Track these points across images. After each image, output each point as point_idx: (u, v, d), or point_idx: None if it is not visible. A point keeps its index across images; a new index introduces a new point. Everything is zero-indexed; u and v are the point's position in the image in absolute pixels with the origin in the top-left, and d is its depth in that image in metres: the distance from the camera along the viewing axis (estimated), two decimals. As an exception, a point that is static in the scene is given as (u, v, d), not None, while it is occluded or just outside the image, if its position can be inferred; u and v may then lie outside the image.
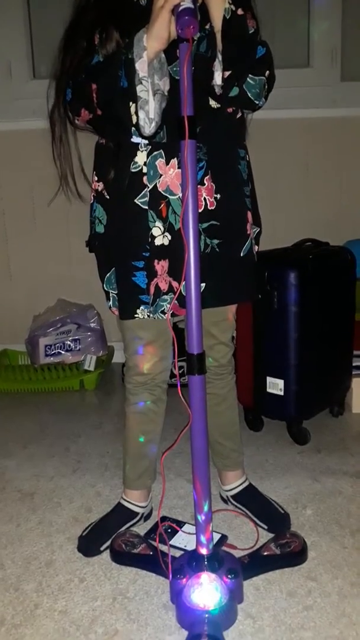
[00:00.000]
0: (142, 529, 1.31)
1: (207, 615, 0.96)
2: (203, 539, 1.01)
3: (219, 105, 1.08)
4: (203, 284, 1.09)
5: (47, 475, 1.61)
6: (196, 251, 0.95)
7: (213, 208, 1.10)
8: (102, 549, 1.23)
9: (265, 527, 1.29)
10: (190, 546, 1.15)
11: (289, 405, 1.68)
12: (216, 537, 1.24)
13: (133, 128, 1.01)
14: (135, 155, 1.08)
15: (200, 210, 1.07)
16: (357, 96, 2.51)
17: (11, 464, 1.70)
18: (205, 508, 1.01)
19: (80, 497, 1.48)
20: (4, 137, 2.54)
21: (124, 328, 1.22)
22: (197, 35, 1.02)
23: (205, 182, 1.08)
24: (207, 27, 1.02)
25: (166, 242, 1.09)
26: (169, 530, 1.27)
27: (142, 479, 1.31)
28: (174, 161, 1.06)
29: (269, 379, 1.70)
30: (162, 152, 1.07)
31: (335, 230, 2.37)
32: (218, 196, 1.10)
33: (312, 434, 1.75)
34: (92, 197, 1.19)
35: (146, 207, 1.08)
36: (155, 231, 1.09)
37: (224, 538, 1.25)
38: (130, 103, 0.99)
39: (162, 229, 1.09)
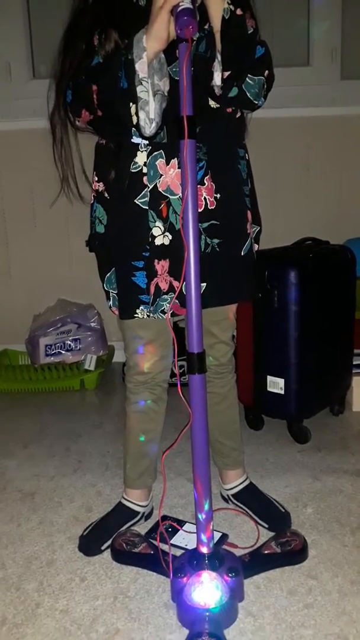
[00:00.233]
0: (142, 528, 1.31)
1: (207, 614, 0.96)
2: (204, 537, 1.01)
3: (218, 105, 1.08)
4: (204, 284, 1.09)
5: (48, 475, 1.61)
6: (196, 250, 0.95)
7: (213, 208, 1.10)
8: (103, 548, 1.23)
9: (266, 525, 1.29)
10: (191, 545, 1.15)
11: (289, 404, 1.68)
12: (217, 535, 1.24)
13: (133, 129, 1.02)
14: (136, 155, 1.08)
15: (200, 210, 1.07)
16: (357, 95, 2.51)
17: (12, 464, 1.70)
18: (206, 507, 1.01)
19: (81, 497, 1.48)
20: (4, 137, 2.55)
21: (124, 327, 1.22)
22: (196, 36, 1.02)
23: (205, 181, 1.09)
24: (206, 27, 1.02)
25: (167, 242, 1.09)
26: (170, 530, 1.28)
27: (143, 478, 1.31)
28: (174, 161, 1.07)
29: (269, 378, 1.70)
30: (163, 152, 1.07)
31: (336, 228, 2.37)
32: (218, 196, 1.10)
33: (313, 433, 1.75)
34: (93, 197, 1.19)
35: (146, 207, 1.09)
36: (156, 231, 1.09)
37: (224, 537, 1.26)
38: (131, 104, 0.99)
39: (163, 229, 1.09)
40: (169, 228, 1.09)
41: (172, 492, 1.47)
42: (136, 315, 1.14)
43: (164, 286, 1.11)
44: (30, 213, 2.62)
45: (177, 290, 1.09)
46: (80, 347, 2.48)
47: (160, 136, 1.06)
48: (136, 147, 1.07)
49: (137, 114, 0.99)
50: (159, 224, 1.09)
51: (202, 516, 1.01)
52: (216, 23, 0.98)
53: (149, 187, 1.08)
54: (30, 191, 2.58)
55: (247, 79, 1.02)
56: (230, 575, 1.01)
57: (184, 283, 0.97)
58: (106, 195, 1.15)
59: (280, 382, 1.67)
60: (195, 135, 0.95)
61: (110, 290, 1.19)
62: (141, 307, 1.13)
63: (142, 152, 1.08)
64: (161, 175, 1.07)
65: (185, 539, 1.24)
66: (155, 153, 1.07)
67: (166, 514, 1.37)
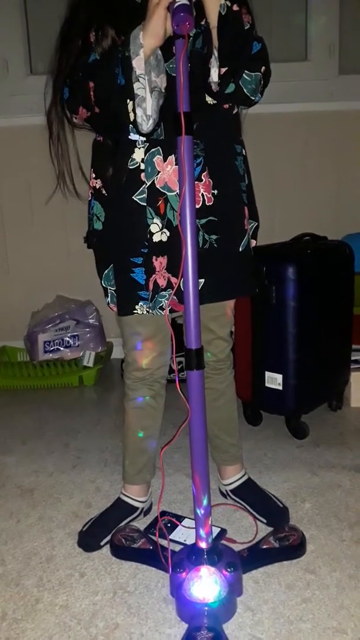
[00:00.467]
0: (141, 523, 1.31)
1: (206, 608, 0.96)
2: (202, 533, 1.02)
3: (215, 102, 1.08)
4: (202, 280, 1.10)
5: (47, 471, 1.62)
6: (194, 246, 0.95)
7: (211, 204, 1.10)
8: (102, 543, 1.24)
9: (264, 520, 1.30)
10: (190, 540, 1.15)
11: (287, 399, 1.69)
12: (215, 531, 1.25)
13: (131, 125, 1.01)
14: (133, 152, 1.08)
15: (198, 206, 1.07)
16: (354, 89, 2.51)
17: (11, 460, 1.70)
18: (205, 502, 1.01)
19: (80, 493, 1.48)
20: (1, 133, 2.54)
21: (123, 324, 1.22)
22: (193, 32, 1.02)
23: (202, 178, 1.09)
24: (203, 23, 1.01)
25: (164, 239, 1.09)
26: (169, 525, 1.28)
27: (142, 474, 1.32)
28: (172, 158, 1.06)
29: (267, 374, 1.70)
30: (160, 149, 1.07)
31: (334, 224, 2.38)
32: (216, 192, 1.10)
33: (311, 428, 1.76)
34: (90, 194, 1.19)
35: (144, 204, 1.09)
36: (154, 228, 1.09)
37: (223, 532, 1.26)
38: (128, 100, 0.99)
39: (161, 225, 1.09)
40: (167, 225, 1.09)
41: (171, 487, 1.47)
42: (135, 311, 1.14)
43: (162, 283, 1.11)
44: (27, 209, 2.62)
45: (175, 287, 1.09)
46: (79, 343, 2.48)
47: (157, 133, 1.05)
48: (133, 143, 1.07)
49: (134, 110, 0.99)
50: (156, 220, 1.09)
51: (200, 511, 1.01)
52: (213, 19, 0.98)
53: (146, 184, 1.08)
54: (27, 188, 2.57)
55: (243, 75, 1.02)
56: (228, 570, 1.01)
57: (182, 279, 0.97)
58: (104, 192, 1.14)
59: (279, 377, 1.68)
60: (193, 131, 0.95)
61: (108, 287, 1.19)
62: (140, 303, 1.13)
63: (139, 148, 1.07)
64: (159, 171, 1.07)
65: (184, 534, 1.25)
66: (153, 150, 1.07)
67: (165, 509, 1.37)
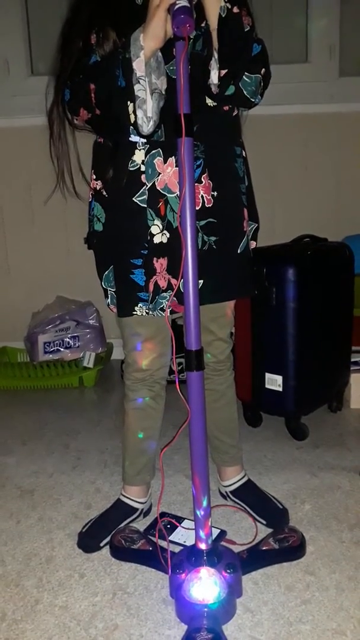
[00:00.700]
0: (141, 524, 1.32)
1: (206, 610, 0.96)
2: (202, 534, 1.02)
3: (215, 104, 1.08)
4: (201, 281, 1.10)
5: (47, 472, 1.62)
6: (194, 248, 0.95)
7: (210, 205, 1.10)
8: (101, 544, 1.24)
9: (264, 522, 1.30)
10: (190, 541, 1.15)
11: (287, 401, 1.69)
12: (215, 532, 1.25)
13: (131, 127, 1.02)
14: (133, 154, 1.08)
15: (197, 208, 1.07)
16: (355, 91, 2.51)
17: (11, 461, 1.70)
18: (204, 503, 1.01)
19: (80, 494, 1.48)
20: (2, 134, 2.54)
21: (123, 325, 1.22)
22: (193, 34, 1.02)
23: (202, 180, 1.09)
24: (203, 25, 1.02)
25: (165, 240, 1.10)
26: (168, 526, 1.28)
27: (142, 475, 1.32)
28: (172, 159, 1.07)
29: (267, 375, 1.71)
30: (160, 151, 1.07)
31: (334, 226, 2.38)
32: (215, 194, 1.11)
33: (311, 430, 1.76)
34: (91, 196, 1.19)
35: (145, 205, 1.09)
36: (154, 229, 1.09)
37: (223, 533, 1.26)
38: (128, 102, 0.99)
39: (161, 227, 1.09)
40: (167, 226, 1.09)
41: (171, 488, 1.47)
42: (135, 312, 1.14)
43: (162, 284, 1.11)
44: (28, 210, 2.62)
45: (175, 288, 1.09)
46: (79, 344, 2.48)
47: (157, 134, 1.06)
48: (134, 145, 1.08)
49: (134, 112, 1.00)
50: (157, 222, 1.09)
51: (200, 513, 1.01)
52: (213, 21, 0.98)
53: (147, 186, 1.08)
54: (28, 188, 2.58)
55: (243, 77, 1.02)
56: (228, 571, 1.01)
57: (182, 280, 0.97)
58: (104, 193, 1.15)
59: (279, 379, 1.68)
60: (193, 133, 0.95)
61: (109, 288, 1.19)
62: (140, 305, 1.14)
63: (140, 150, 1.08)
64: (159, 173, 1.08)
65: (183, 535, 1.25)
66: (153, 151, 1.07)
67: (165, 510, 1.37)
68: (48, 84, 1.11)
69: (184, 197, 0.94)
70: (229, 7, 0.97)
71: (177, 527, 1.28)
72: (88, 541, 1.25)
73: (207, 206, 1.10)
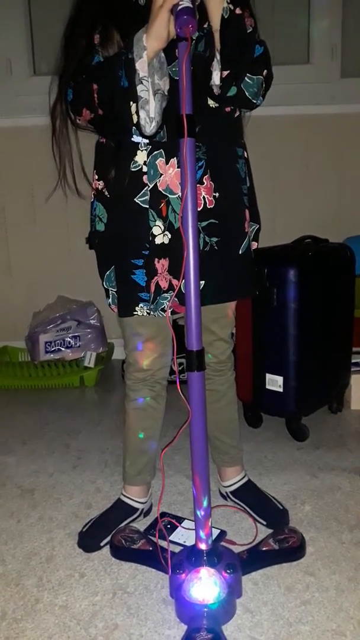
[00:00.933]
0: (141, 524, 1.32)
1: (206, 610, 0.96)
2: (202, 534, 1.02)
3: (217, 105, 1.08)
4: (202, 282, 1.10)
5: (47, 472, 1.62)
6: (195, 248, 0.96)
7: (212, 207, 1.11)
8: (102, 544, 1.24)
9: (264, 522, 1.30)
10: (190, 541, 1.16)
11: (288, 401, 1.69)
12: (215, 532, 1.25)
13: (134, 127, 1.02)
14: (135, 154, 1.08)
15: (199, 209, 1.08)
16: (357, 92, 2.51)
17: (11, 460, 1.70)
18: (205, 504, 1.01)
19: (80, 493, 1.49)
20: (5, 133, 2.55)
21: (124, 324, 1.22)
22: (196, 35, 1.02)
23: (204, 181, 1.09)
24: (205, 26, 1.02)
25: (166, 241, 1.10)
26: (169, 526, 1.28)
27: (142, 475, 1.32)
28: (174, 160, 1.07)
29: (268, 376, 1.71)
30: (163, 152, 1.07)
31: (335, 227, 2.38)
32: (217, 195, 1.11)
33: (311, 431, 1.76)
34: (93, 196, 1.19)
35: (146, 206, 1.09)
36: (156, 230, 1.09)
37: (223, 533, 1.26)
38: (131, 103, 0.99)
39: (163, 227, 1.09)
40: (168, 227, 1.09)
41: (171, 488, 1.47)
42: (135, 312, 1.14)
43: (164, 285, 1.11)
44: (30, 210, 2.63)
45: (177, 288, 1.09)
46: (80, 344, 2.48)
47: (160, 135, 1.06)
48: (136, 146, 1.08)
49: (137, 112, 1.00)
50: (159, 223, 1.09)
51: (200, 513, 1.01)
52: (215, 22, 0.98)
53: (149, 186, 1.08)
54: (30, 188, 2.58)
55: (245, 78, 1.02)
56: (228, 571, 1.01)
57: (184, 281, 0.97)
58: (106, 193, 1.15)
59: (279, 379, 1.68)
60: (195, 134, 0.95)
61: (110, 288, 1.20)
62: (140, 305, 1.14)
63: (142, 151, 1.08)
64: (161, 174, 1.08)
65: (183, 535, 1.25)
66: (156, 152, 1.07)
67: (165, 510, 1.37)
68: (51, 82, 1.11)
69: (186, 198, 0.94)
70: (232, 8, 0.97)
71: (177, 527, 1.28)
72: (88, 541, 1.25)
73: (208, 207, 1.10)
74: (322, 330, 1.73)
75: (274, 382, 1.69)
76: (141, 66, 0.97)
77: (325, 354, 1.77)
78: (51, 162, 1.17)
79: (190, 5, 0.92)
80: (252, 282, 1.24)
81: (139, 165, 1.08)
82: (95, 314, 2.55)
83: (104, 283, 1.20)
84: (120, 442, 1.64)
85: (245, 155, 1.19)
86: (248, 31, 1.00)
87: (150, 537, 1.22)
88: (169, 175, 1.08)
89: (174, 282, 1.11)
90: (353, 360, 1.94)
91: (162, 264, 1.10)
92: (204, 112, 1.06)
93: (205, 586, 0.99)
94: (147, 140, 1.06)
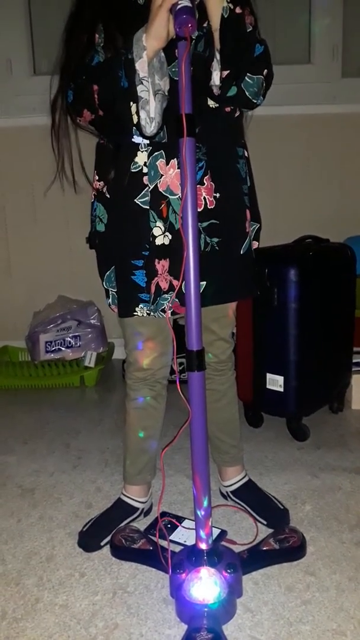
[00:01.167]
0: (142, 524, 1.32)
1: (206, 610, 0.96)
2: (202, 534, 1.02)
3: (217, 105, 1.08)
4: (203, 282, 1.10)
5: (48, 471, 1.62)
6: (195, 248, 0.95)
7: (213, 207, 1.10)
8: (102, 544, 1.24)
9: (265, 522, 1.30)
10: (190, 541, 1.16)
11: (288, 401, 1.69)
12: (215, 532, 1.25)
13: (134, 128, 1.02)
14: (136, 155, 1.08)
15: (200, 210, 1.07)
16: (357, 92, 2.51)
17: (12, 460, 1.70)
18: (205, 503, 1.01)
19: (81, 493, 1.49)
20: (5, 133, 2.55)
21: (125, 324, 1.22)
22: (196, 34, 1.02)
23: (204, 181, 1.09)
24: (205, 25, 1.01)
25: (167, 242, 1.10)
26: (169, 526, 1.28)
27: (142, 474, 1.32)
28: (174, 161, 1.07)
29: (268, 376, 1.71)
30: (163, 153, 1.07)
31: (336, 226, 2.37)
32: (217, 195, 1.11)
33: (312, 431, 1.76)
34: (93, 196, 1.19)
35: (147, 207, 1.09)
36: (156, 231, 1.09)
37: (223, 533, 1.26)
38: (131, 103, 0.99)
39: (163, 228, 1.09)
40: (169, 228, 1.09)
41: (172, 488, 1.47)
42: (135, 313, 1.14)
43: (164, 285, 1.11)
44: (30, 210, 2.63)
45: (177, 289, 1.09)
46: (80, 344, 2.48)
47: (160, 136, 1.06)
48: (136, 146, 1.08)
49: (137, 113, 1.00)
50: (159, 224, 1.09)
51: (201, 512, 1.01)
52: (215, 21, 0.98)
53: (149, 187, 1.08)
54: (30, 188, 2.58)
55: (246, 78, 1.02)
56: (228, 571, 1.01)
57: (184, 281, 0.97)
58: (107, 194, 1.15)
59: (280, 379, 1.68)
60: (195, 134, 0.95)
61: (110, 289, 1.20)
62: (140, 305, 1.14)
63: (142, 152, 1.08)
64: (161, 175, 1.08)
65: (184, 535, 1.25)
66: (156, 153, 1.07)
67: (165, 510, 1.37)
68: (51, 81, 1.11)
69: (186, 197, 0.94)
70: (232, 7, 0.97)
71: (178, 526, 1.28)
72: (88, 540, 1.25)
73: (209, 208, 1.10)
74: (322, 330, 1.73)
75: (275, 382, 1.69)
76: (141, 66, 0.97)
77: (326, 353, 1.77)
78: (51, 162, 1.17)
79: (190, 5, 0.92)
80: (253, 282, 1.24)
81: (139, 166, 1.08)
82: (96, 313, 2.55)
83: (104, 283, 1.20)
84: (120, 442, 1.64)
85: (246, 154, 1.19)
86: (248, 30, 1.00)
87: (151, 536, 1.22)
88: (170, 176, 1.07)
89: (175, 282, 1.11)
90: (354, 360, 1.94)
91: (162, 265, 1.10)
92: (204, 113, 1.06)
93: (205, 586, 0.99)
94: (147, 141, 1.06)
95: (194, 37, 1.03)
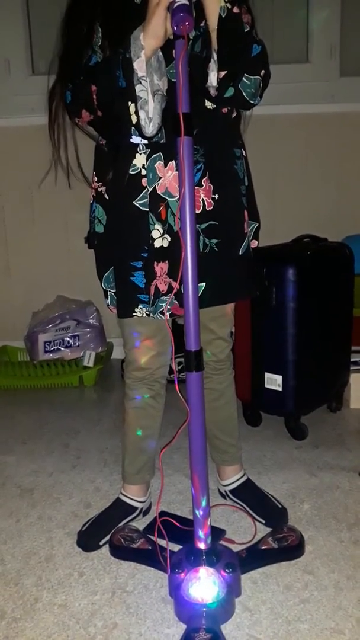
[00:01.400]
0: (141, 523, 1.32)
1: (205, 609, 0.97)
2: (201, 533, 1.02)
3: (214, 106, 1.08)
4: (202, 284, 1.10)
5: (47, 471, 1.62)
6: (193, 248, 0.95)
7: (211, 208, 1.10)
8: (101, 543, 1.24)
9: (263, 521, 1.30)
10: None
11: (287, 400, 1.69)
12: (214, 531, 1.25)
13: (133, 128, 1.01)
14: (134, 157, 1.08)
15: (198, 211, 1.07)
16: (356, 91, 2.51)
17: (11, 460, 1.70)
18: (204, 503, 1.02)
19: (80, 493, 1.49)
20: (3, 133, 2.54)
21: (124, 324, 1.23)
22: (193, 34, 1.02)
23: (203, 183, 1.09)
24: (202, 25, 1.01)
25: (165, 244, 1.10)
26: (168, 525, 1.28)
27: (141, 473, 1.32)
28: (172, 163, 1.06)
29: (267, 375, 1.71)
30: (161, 155, 1.07)
31: (334, 225, 2.38)
32: (216, 196, 1.11)
33: (310, 430, 1.76)
34: (92, 197, 1.19)
35: (146, 209, 1.09)
36: (155, 233, 1.09)
37: (222, 532, 1.26)
38: (130, 103, 0.99)
39: (162, 231, 1.09)
40: (168, 230, 1.09)
41: (170, 488, 1.47)
42: (135, 314, 1.14)
43: (163, 287, 1.11)
44: (29, 210, 2.62)
45: (174, 290, 1.09)
46: (79, 343, 2.48)
47: (158, 136, 1.05)
48: (135, 148, 1.07)
49: (136, 113, 0.99)
50: (158, 226, 1.09)
51: (199, 512, 1.01)
52: (212, 21, 0.98)
53: (148, 190, 1.08)
54: (29, 188, 2.58)
55: (243, 78, 1.02)
56: (227, 570, 1.02)
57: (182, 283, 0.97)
58: (105, 196, 1.15)
59: (278, 378, 1.68)
60: (192, 132, 0.94)
61: (108, 289, 1.20)
62: (140, 306, 1.14)
63: (140, 154, 1.07)
64: (160, 177, 1.07)
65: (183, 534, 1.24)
66: (154, 155, 1.07)
67: (164, 509, 1.37)
68: (50, 69, 1.10)
69: (184, 197, 0.94)
70: (229, 7, 0.97)
71: (177, 526, 1.27)
72: (87, 540, 1.25)
73: (207, 209, 1.10)
74: (321, 329, 1.73)
75: (273, 381, 1.69)
76: (139, 66, 0.97)
77: (324, 352, 1.78)
78: (51, 162, 1.17)
79: (187, 3, 0.92)
80: (252, 283, 1.24)
81: (137, 168, 1.08)
82: (95, 313, 2.55)
83: (103, 284, 1.20)
84: (119, 442, 1.64)
85: (244, 153, 1.19)
86: (245, 30, 1.00)
87: (150, 536, 1.22)
88: (168, 178, 1.07)
89: (174, 284, 1.10)
90: (352, 359, 1.94)
91: (161, 267, 1.10)
92: (201, 114, 1.06)
93: (204, 585, 0.99)
94: (146, 142, 1.06)
95: (191, 38, 1.03)
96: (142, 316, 1.14)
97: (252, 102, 1.06)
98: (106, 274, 1.19)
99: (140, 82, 0.98)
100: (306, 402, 1.76)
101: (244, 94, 1.04)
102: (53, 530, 1.32)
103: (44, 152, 1.18)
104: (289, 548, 1.17)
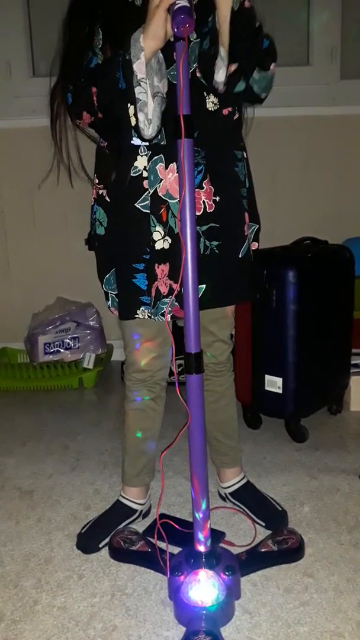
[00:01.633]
0: (140, 526, 1.32)
1: (204, 612, 0.96)
2: (201, 536, 1.02)
3: (215, 108, 1.08)
4: (203, 286, 1.10)
5: (46, 473, 1.62)
6: (193, 251, 0.95)
7: (212, 211, 1.10)
8: (100, 546, 1.24)
9: (263, 524, 1.30)
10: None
11: (287, 403, 1.69)
12: (214, 534, 1.24)
13: (132, 130, 1.02)
14: (135, 159, 1.08)
15: (199, 214, 1.08)
16: (356, 94, 2.51)
17: (10, 461, 1.70)
18: (203, 505, 1.01)
19: (79, 495, 1.49)
20: (4, 135, 2.55)
21: (124, 325, 1.22)
22: (204, 30, 1.01)
23: (204, 185, 1.09)
24: (209, 20, 1.00)
25: (166, 246, 1.10)
26: (168, 527, 1.28)
27: (141, 476, 1.32)
28: (173, 165, 1.07)
29: (267, 377, 1.71)
30: (162, 157, 1.06)
31: (334, 228, 2.38)
32: (217, 198, 1.11)
33: (310, 432, 1.76)
34: (93, 200, 1.19)
35: (147, 211, 1.09)
36: (156, 235, 1.09)
37: (221, 535, 1.26)
38: (129, 105, 0.99)
39: (163, 233, 1.09)
40: (169, 232, 1.09)
41: (170, 490, 1.47)
42: (137, 316, 1.14)
43: (164, 290, 1.11)
44: (29, 211, 2.63)
45: (175, 292, 1.09)
46: (79, 345, 2.48)
47: (158, 138, 1.05)
48: (136, 151, 1.07)
49: (136, 115, 0.99)
50: (159, 228, 1.09)
51: (199, 515, 1.01)
52: (225, 15, 0.96)
53: (149, 192, 1.08)
54: (29, 189, 2.58)
55: (255, 73, 1.02)
56: (227, 573, 1.01)
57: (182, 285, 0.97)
58: (107, 198, 1.15)
59: (278, 381, 1.68)
60: (193, 134, 0.94)
61: (109, 291, 1.20)
62: (142, 308, 1.14)
63: (141, 156, 1.07)
64: (161, 179, 1.08)
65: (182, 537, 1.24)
66: (155, 157, 1.07)
67: (164, 511, 1.37)
68: (51, 70, 1.10)
69: (184, 198, 0.94)
70: (241, 1, 0.96)
71: (177, 528, 1.27)
72: (87, 542, 1.25)
73: (208, 211, 1.10)
74: (321, 331, 1.73)
75: (273, 384, 1.69)
76: (139, 67, 0.96)
77: (325, 355, 1.78)
78: (50, 163, 1.17)
79: (187, 5, 0.91)
80: (252, 285, 1.24)
81: (139, 170, 1.08)
82: (95, 315, 2.55)
83: (104, 286, 1.20)
84: (119, 444, 1.64)
85: (245, 156, 1.19)
86: (257, 25, 0.99)
87: (149, 538, 1.22)
88: (169, 180, 1.07)
89: (174, 286, 1.10)
90: (352, 362, 1.94)
91: (162, 270, 1.10)
92: (202, 116, 1.06)
93: (203, 588, 0.99)
94: (146, 144, 1.06)
95: (192, 39, 1.03)
96: (143, 318, 1.14)
97: (262, 96, 1.06)
98: (107, 276, 1.19)
99: (139, 84, 0.98)
100: (306, 405, 1.76)
101: (254, 89, 1.04)
102: (52, 533, 1.32)
103: (44, 154, 1.18)
104: (288, 551, 1.17)
